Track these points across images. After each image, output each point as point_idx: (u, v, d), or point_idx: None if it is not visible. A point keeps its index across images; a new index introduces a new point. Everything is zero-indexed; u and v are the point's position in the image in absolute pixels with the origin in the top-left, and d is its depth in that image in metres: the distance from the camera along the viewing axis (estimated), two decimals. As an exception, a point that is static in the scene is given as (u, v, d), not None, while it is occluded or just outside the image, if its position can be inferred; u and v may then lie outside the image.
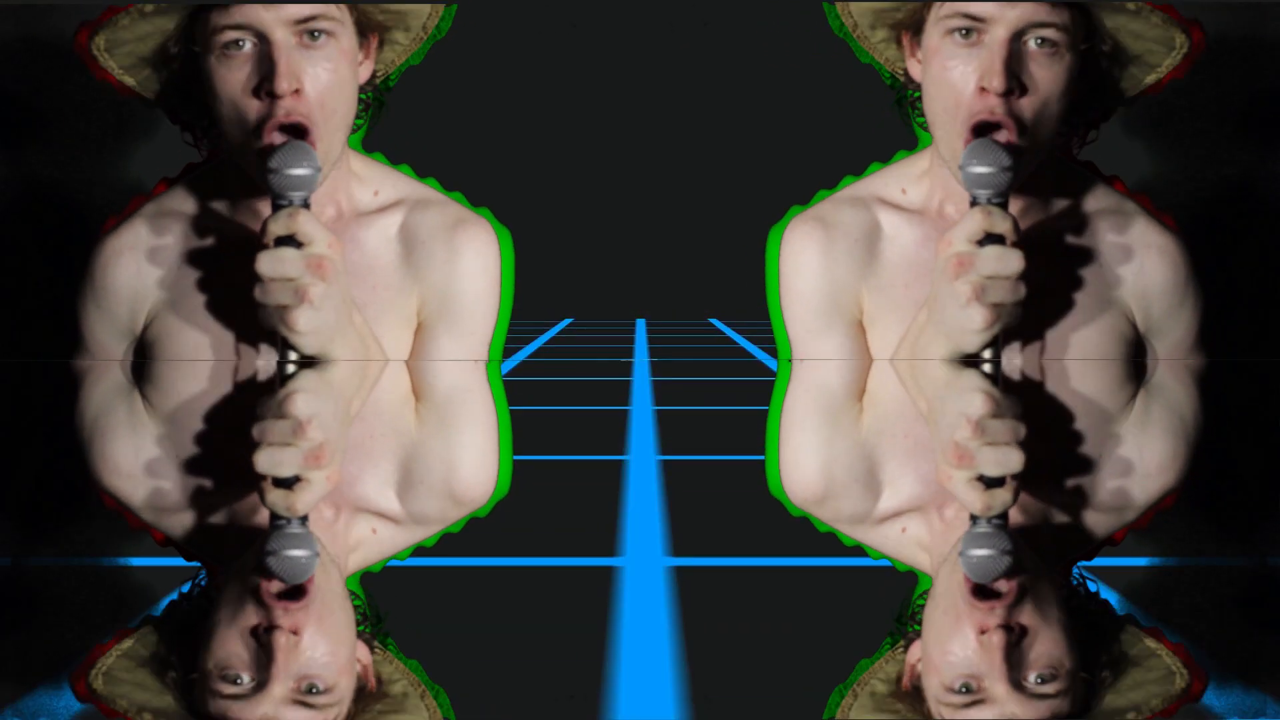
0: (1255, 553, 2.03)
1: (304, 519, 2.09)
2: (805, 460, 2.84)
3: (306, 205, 3.20)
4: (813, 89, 10.17)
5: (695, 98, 10.60)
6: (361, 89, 3.33)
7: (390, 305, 3.37)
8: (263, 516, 2.07)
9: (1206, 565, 1.97)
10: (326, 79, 3.23)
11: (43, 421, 3.22)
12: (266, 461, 2.50)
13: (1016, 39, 3.20)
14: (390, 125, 3.51)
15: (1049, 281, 3.34)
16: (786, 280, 3.42)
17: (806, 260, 3.40)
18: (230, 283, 3.32)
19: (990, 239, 3.13)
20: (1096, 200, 3.44)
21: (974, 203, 3.18)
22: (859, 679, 1.46)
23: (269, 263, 3.14)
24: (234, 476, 2.40)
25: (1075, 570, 1.81)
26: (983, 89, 3.21)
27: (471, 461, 2.81)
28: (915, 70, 3.33)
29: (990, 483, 2.30)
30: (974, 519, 2.07)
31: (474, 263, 3.39)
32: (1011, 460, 2.49)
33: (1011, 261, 3.12)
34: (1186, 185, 4.07)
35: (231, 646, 1.50)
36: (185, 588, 1.74)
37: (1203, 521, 2.20)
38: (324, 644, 1.54)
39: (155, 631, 1.57)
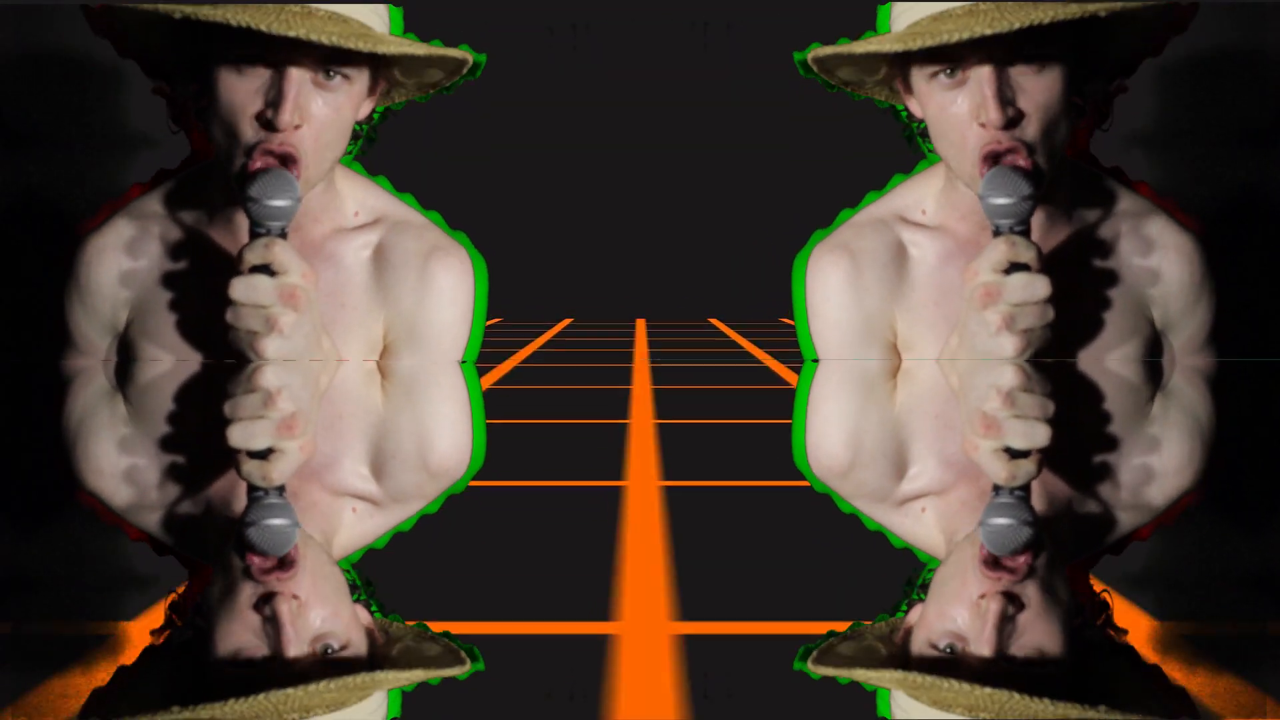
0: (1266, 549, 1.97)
1: (281, 490, 2.08)
2: (833, 430, 2.85)
3: (283, 235, 3.19)
4: (814, 89, 10.15)
5: (695, 97, 10.62)
6: (358, 123, 3.32)
7: (357, 326, 3.38)
8: (240, 505, 2.05)
9: (1210, 561, 1.90)
10: (328, 118, 3.21)
11: (30, 420, 3.22)
12: (239, 435, 2.52)
13: (1001, 67, 3.19)
14: (389, 124, 3.50)
15: (1075, 296, 3.39)
16: (816, 311, 3.44)
17: (835, 291, 3.41)
18: (199, 304, 3.35)
19: (1015, 267, 3.15)
20: (1115, 205, 3.50)
21: (996, 232, 3.19)
22: (856, 629, 1.46)
23: (242, 289, 3.13)
24: (210, 467, 2.37)
25: (1089, 584, 1.74)
26: (982, 124, 3.20)
27: (444, 432, 2.81)
28: (915, 109, 3.34)
29: (1015, 454, 2.31)
30: (996, 490, 2.07)
31: (445, 292, 3.39)
32: (1039, 435, 2.52)
33: (1038, 287, 3.13)
34: (1198, 190, 4.13)
35: (239, 634, 1.46)
36: (178, 602, 1.66)
37: (1214, 517, 2.15)
38: (326, 607, 1.53)
39: (152, 660, 1.49)
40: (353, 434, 2.64)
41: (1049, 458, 2.35)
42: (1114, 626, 1.55)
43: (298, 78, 3.17)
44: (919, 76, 3.26)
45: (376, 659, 1.37)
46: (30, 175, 4.04)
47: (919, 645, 1.41)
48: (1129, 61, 3.40)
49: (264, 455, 2.32)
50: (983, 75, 3.17)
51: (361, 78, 3.25)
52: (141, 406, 3.05)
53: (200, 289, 3.35)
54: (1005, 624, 1.46)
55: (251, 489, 2.09)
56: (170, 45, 3.32)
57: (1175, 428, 2.80)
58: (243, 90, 3.19)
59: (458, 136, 10.35)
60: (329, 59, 3.20)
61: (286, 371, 3.16)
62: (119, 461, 2.48)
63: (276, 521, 1.92)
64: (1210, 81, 4.21)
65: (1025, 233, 3.18)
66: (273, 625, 1.47)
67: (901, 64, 3.30)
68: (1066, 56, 3.22)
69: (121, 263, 3.44)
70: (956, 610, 1.51)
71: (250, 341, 3.16)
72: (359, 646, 1.41)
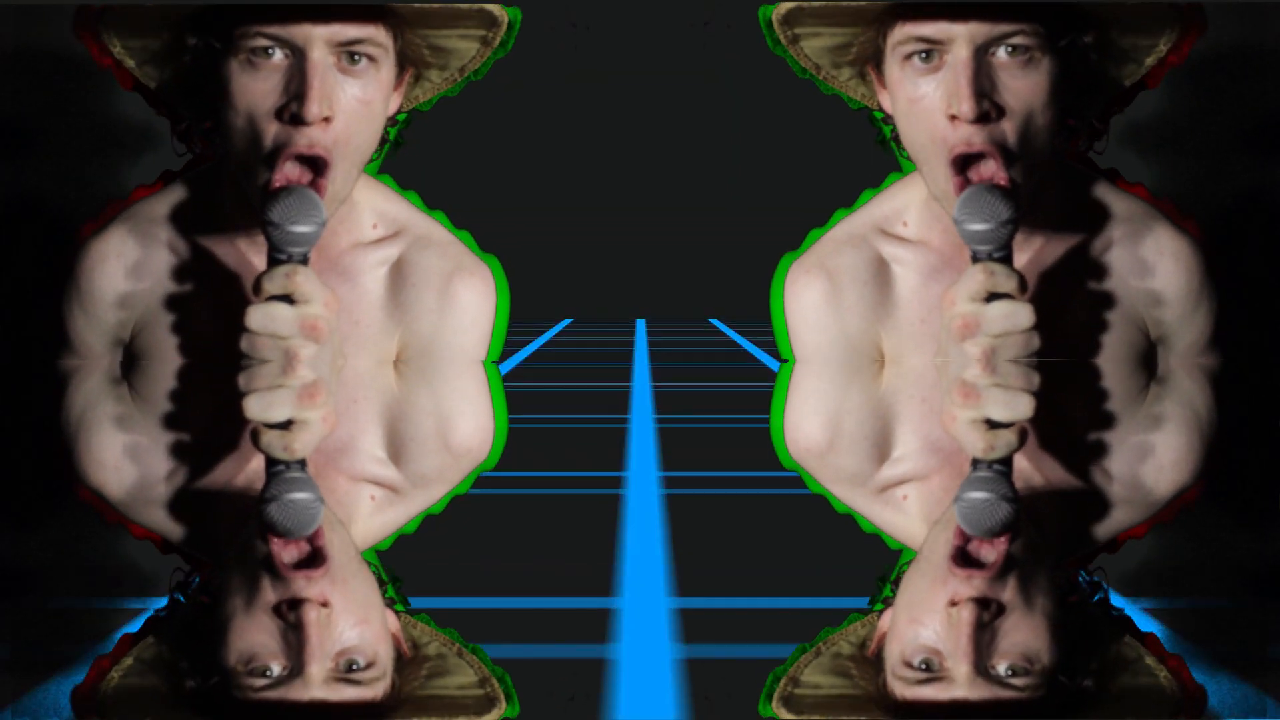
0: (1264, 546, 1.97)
1: (303, 464, 1.97)
2: (813, 409, 2.73)
3: (305, 261, 2.91)
4: (815, 89, 10.16)
5: (696, 97, 10.62)
6: (386, 125, 3.04)
7: (370, 343, 3.14)
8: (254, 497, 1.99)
9: (1211, 562, 1.89)
10: (359, 110, 2.92)
11: (31, 416, 3.14)
12: (257, 406, 2.44)
13: (981, 54, 2.90)
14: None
15: (1068, 314, 3.16)
16: (797, 334, 3.20)
17: (814, 314, 3.20)
18: (208, 327, 3.13)
19: (996, 295, 2.90)
20: (1108, 211, 3.27)
21: (975, 258, 2.93)
22: (826, 638, 1.37)
23: (259, 318, 2.87)
24: (220, 461, 2.31)
25: (1083, 570, 1.69)
26: (954, 117, 2.91)
27: (464, 410, 2.71)
28: (886, 103, 3.07)
29: (995, 425, 2.20)
30: (975, 464, 1.97)
31: (465, 314, 3.15)
32: (1020, 405, 2.41)
33: (1020, 318, 2.88)
34: (1202, 194, 4.05)
35: (254, 635, 1.37)
36: (182, 580, 1.63)
37: (1210, 514, 2.15)
38: (355, 613, 1.43)
39: (160, 639, 1.44)
40: (368, 417, 2.53)
41: (1036, 459, 2.24)
42: (1111, 608, 1.51)
43: (320, 62, 2.86)
44: (893, 60, 2.98)
45: (400, 687, 1.27)
46: (27, 174, 3.98)
47: (894, 664, 1.31)
48: (1126, 90, 3.19)
49: (284, 426, 2.22)
50: (959, 60, 2.88)
51: (387, 60, 2.96)
52: (146, 399, 2.96)
53: (208, 311, 3.12)
54: (980, 633, 1.36)
55: (271, 463, 1.98)
56: (170, 54, 3.07)
57: (1172, 421, 2.71)
58: (259, 88, 2.90)
59: (456, 137, 10.36)
60: (352, 42, 2.91)
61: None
62: (122, 457, 2.39)
63: (300, 496, 1.82)
64: (1215, 81, 4.14)
65: (1006, 259, 2.92)
66: (296, 634, 1.36)
67: (875, 39, 3.03)
68: (1054, 58, 2.96)
69: (123, 275, 3.19)
70: (928, 618, 1.41)
71: (268, 376, 2.91)
72: (384, 664, 1.31)
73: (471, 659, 1.31)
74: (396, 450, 2.26)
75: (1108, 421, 2.70)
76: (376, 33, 2.93)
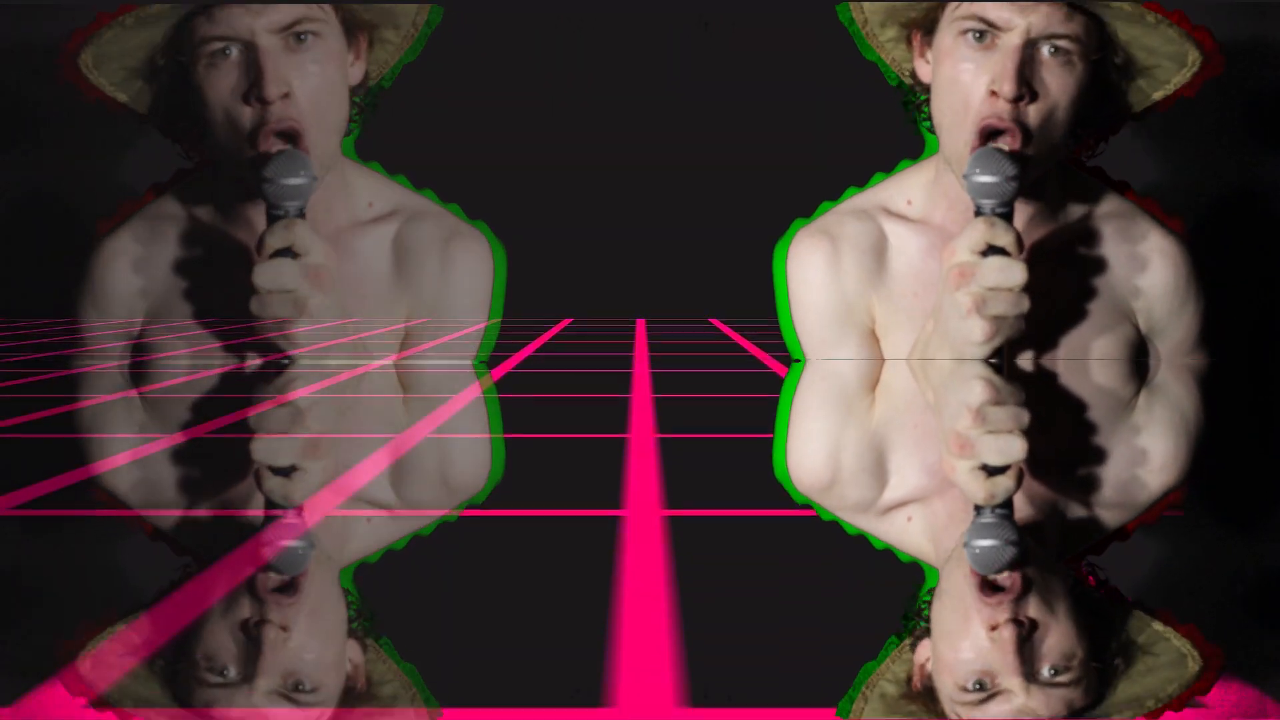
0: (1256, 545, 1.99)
1: (300, 509, 2.05)
2: (813, 447, 2.83)
3: (301, 215, 3.19)
4: (816, 89, 10.17)
5: (696, 97, 10.60)
6: (354, 91, 3.32)
7: (379, 314, 3.36)
8: (257, 508, 2.05)
9: (1210, 561, 1.92)
10: (315, 81, 3.26)
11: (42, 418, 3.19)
12: (264, 450, 2.49)
13: (1030, 46, 3.21)
14: (387, 125, 3.49)
15: (1057, 291, 3.33)
16: (796, 294, 3.44)
17: (815, 273, 3.44)
18: (219, 294, 3.31)
19: (993, 250, 3.10)
20: (1102, 207, 3.45)
21: (978, 212, 3.15)
22: (866, 681, 1.41)
23: (267, 275, 3.13)
24: (228, 469, 2.37)
25: (1083, 562, 1.78)
26: (993, 93, 3.22)
27: (464, 448, 2.80)
28: (923, 71, 3.35)
29: (992, 471, 2.26)
30: (978, 509, 2.02)
31: (465, 276, 3.41)
32: (1013, 448, 2.47)
33: (1014, 274, 3.12)
34: (1193, 190, 4.07)
35: (220, 638, 1.49)
36: (175, 579, 1.71)
37: (1208, 516, 2.18)
38: (313, 642, 1.52)
39: (145, 618, 1.56)
40: (375, 447, 2.61)
41: (1031, 461, 2.32)
42: (1119, 595, 1.61)
43: (269, 48, 3.21)
44: (948, 31, 3.28)
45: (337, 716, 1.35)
46: (36, 169, 4.00)
47: (950, 692, 1.38)
48: (1132, 112, 3.39)
49: (286, 473, 2.29)
50: (1010, 46, 3.20)
51: (333, 33, 3.29)
52: (158, 406, 3.01)
53: (219, 285, 3.35)
54: (1023, 647, 1.46)
55: (270, 505, 2.06)
56: (149, 78, 3.32)
57: (1160, 424, 2.77)
58: (224, 82, 3.25)
59: (457, 136, 10.35)
60: (291, 24, 3.22)
61: (315, 387, 3.08)
62: (132, 463, 2.44)
63: (293, 543, 1.89)
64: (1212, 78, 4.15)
65: (1007, 215, 3.15)
66: (254, 648, 1.47)
67: (935, 9, 3.27)
68: (1086, 66, 3.26)
69: (136, 266, 3.40)
70: (972, 645, 1.49)
71: (279, 328, 3.16)
72: (329, 691, 1.38)
73: (420, 709, 1.36)
74: (397, 480, 2.34)
75: (1101, 426, 2.78)
76: (311, 10, 3.28)
